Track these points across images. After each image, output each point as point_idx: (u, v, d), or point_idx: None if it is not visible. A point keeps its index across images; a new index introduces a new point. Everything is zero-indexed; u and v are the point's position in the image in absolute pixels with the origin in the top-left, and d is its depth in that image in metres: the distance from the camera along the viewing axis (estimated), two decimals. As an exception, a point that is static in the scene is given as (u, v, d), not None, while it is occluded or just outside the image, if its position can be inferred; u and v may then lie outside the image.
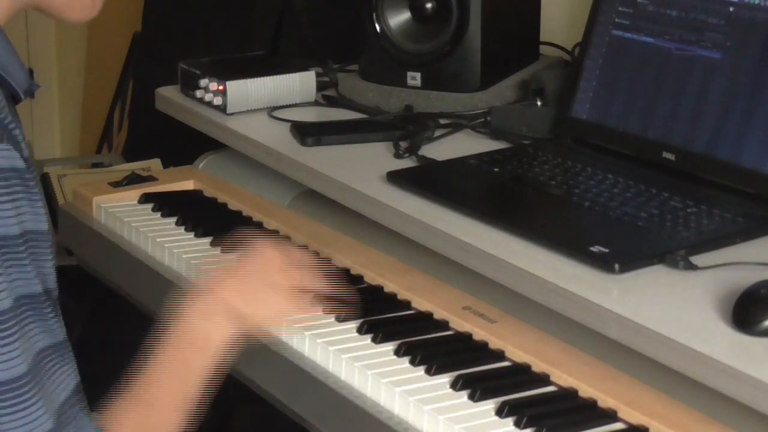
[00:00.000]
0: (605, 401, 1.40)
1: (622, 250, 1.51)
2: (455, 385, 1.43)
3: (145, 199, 2.03)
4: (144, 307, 1.89)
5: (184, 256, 1.81)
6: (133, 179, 2.10)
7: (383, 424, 1.41)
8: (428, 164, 1.85)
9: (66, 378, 1.17)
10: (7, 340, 1.09)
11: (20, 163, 1.12)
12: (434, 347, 1.53)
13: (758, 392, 1.25)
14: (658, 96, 1.80)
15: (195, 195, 2.08)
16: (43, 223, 1.15)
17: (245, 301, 1.37)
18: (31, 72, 3.20)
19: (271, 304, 1.40)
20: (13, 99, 1.22)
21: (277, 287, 1.40)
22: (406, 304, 1.65)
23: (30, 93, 1.24)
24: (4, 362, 1.09)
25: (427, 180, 1.78)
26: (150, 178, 2.12)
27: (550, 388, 1.45)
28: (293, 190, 1.99)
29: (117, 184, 2.08)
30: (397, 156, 1.88)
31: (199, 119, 2.13)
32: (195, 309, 1.37)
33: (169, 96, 2.21)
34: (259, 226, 1.93)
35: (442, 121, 2.03)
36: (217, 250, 1.80)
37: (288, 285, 1.41)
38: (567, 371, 1.45)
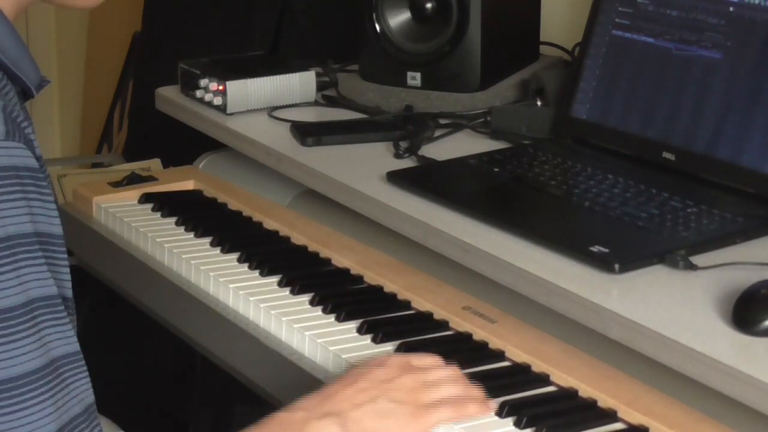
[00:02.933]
0: (605, 401, 1.40)
1: (622, 250, 1.51)
2: (455, 385, 1.43)
3: (145, 199, 2.03)
4: (144, 307, 1.89)
5: (184, 256, 1.81)
6: (133, 179, 2.10)
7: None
8: (428, 164, 1.85)
9: (83, 392, 1.14)
10: (14, 337, 1.06)
11: (33, 163, 1.09)
12: (434, 347, 1.53)
13: (758, 392, 1.25)
14: (658, 96, 1.80)
15: (195, 195, 2.08)
16: (57, 227, 1.12)
17: (364, 413, 1.30)
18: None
19: (392, 422, 1.30)
20: (24, 95, 1.21)
21: (401, 403, 1.31)
22: (406, 304, 1.65)
23: (40, 89, 1.23)
24: (7, 360, 1.06)
25: (427, 180, 1.78)
26: (150, 178, 2.12)
27: (550, 388, 1.45)
28: (293, 190, 1.99)
29: (117, 184, 2.08)
30: (397, 156, 1.88)
31: (199, 119, 2.13)
32: (307, 404, 1.31)
33: (169, 96, 2.21)
34: (259, 226, 1.93)
35: (442, 121, 2.03)
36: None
37: (413, 403, 1.32)
38: (567, 371, 1.45)
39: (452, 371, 1.38)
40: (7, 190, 1.07)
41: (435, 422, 1.32)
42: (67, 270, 1.15)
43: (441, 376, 1.36)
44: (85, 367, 1.14)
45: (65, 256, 1.14)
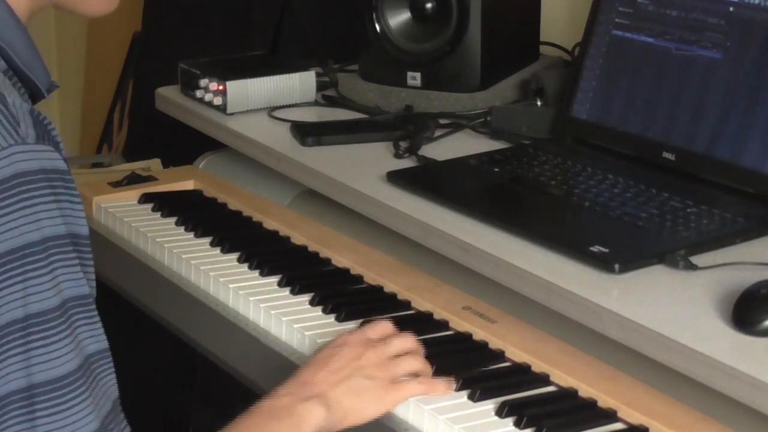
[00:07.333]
0: (605, 401, 1.40)
1: (622, 250, 1.51)
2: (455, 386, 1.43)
3: (145, 199, 2.03)
4: (144, 307, 1.89)
5: (184, 256, 1.81)
6: (133, 179, 2.10)
7: (383, 424, 1.41)
8: (428, 164, 1.85)
9: (110, 387, 1.16)
10: (52, 339, 1.08)
11: (62, 165, 1.11)
12: (434, 347, 1.53)
13: (758, 392, 1.25)
14: (658, 96, 1.80)
15: (195, 195, 2.08)
16: (84, 228, 1.14)
17: (342, 392, 1.39)
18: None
19: (368, 397, 1.40)
20: (32, 98, 1.21)
21: (374, 379, 1.41)
22: (406, 304, 1.65)
23: (49, 92, 1.23)
24: (48, 362, 1.08)
25: (427, 180, 1.79)
26: (150, 178, 2.12)
27: (550, 388, 1.45)
28: (293, 190, 1.99)
29: (117, 184, 2.08)
30: (397, 156, 1.88)
31: (199, 119, 2.13)
32: (288, 390, 1.39)
33: (169, 96, 2.21)
34: (259, 226, 1.93)
35: (442, 121, 2.03)
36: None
37: (384, 376, 1.41)
38: (567, 371, 1.45)
39: (407, 336, 1.47)
40: (40, 193, 1.08)
41: (407, 396, 1.41)
42: (93, 270, 1.17)
43: (400, 347, 1.45)
44: (111, 362, 1.17)
45: (91, 256, 1.16)
